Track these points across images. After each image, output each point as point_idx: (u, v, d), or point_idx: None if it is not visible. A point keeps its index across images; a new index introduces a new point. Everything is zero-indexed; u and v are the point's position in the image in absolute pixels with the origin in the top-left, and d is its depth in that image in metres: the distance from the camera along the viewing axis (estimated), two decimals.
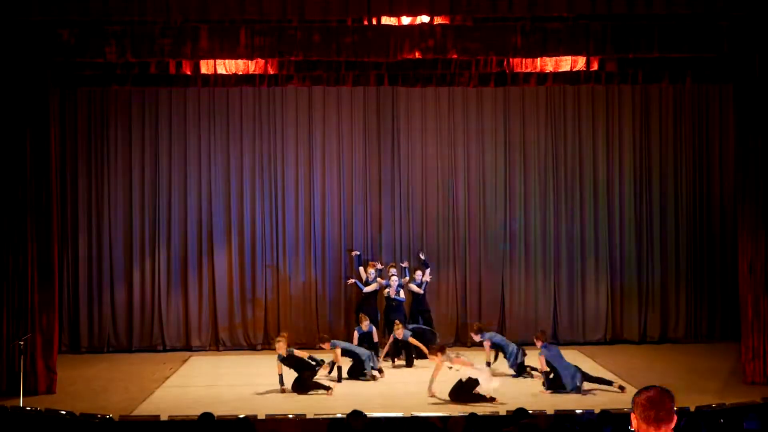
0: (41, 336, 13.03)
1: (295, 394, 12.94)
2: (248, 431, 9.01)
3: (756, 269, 13.26)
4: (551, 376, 12.79)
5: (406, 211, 16.91)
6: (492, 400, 12.07)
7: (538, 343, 13.15)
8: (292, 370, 13.17)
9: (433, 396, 12.42)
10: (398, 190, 16.89)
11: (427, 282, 15.66)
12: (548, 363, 12.78)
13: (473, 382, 12.23)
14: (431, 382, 12.49)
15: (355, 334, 14.77)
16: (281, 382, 13.07)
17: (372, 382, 13.73)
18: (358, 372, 13.90)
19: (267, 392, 13.17)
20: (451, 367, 12.41)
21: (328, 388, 13.00)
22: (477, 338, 14.27)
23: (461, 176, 16.92)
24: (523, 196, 16.94)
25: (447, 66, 13.90)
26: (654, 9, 11.85)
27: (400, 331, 14.57)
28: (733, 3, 12.12)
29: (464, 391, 12.23)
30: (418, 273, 15.62)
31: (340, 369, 13.82)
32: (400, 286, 15.50)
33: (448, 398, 12.28)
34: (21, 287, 13.01)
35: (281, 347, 13.10)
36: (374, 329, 14.98)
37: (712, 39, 12.50)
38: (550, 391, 12.66)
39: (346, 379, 13.78)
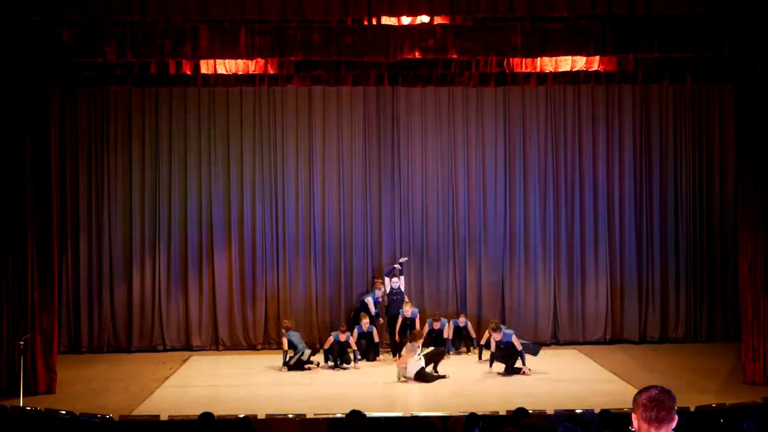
0: (41, 336, 13.03)
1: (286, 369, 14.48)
2: (248, 431, 9.01)
3: (756, 269, 13.26)
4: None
5: (406, 211, 16.91)
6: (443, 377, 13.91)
7: (494, 334, 14.18)
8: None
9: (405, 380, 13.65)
10: (398, 189, 16.89)
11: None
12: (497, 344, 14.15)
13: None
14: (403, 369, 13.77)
15: (355, 332, 14.88)
16: (285, 360, 14.60)
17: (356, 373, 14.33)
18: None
19: (267, 392, 13.19)
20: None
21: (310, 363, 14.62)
22: (498, 336, 14.23)
23: (461, 176, 16.92)
24: (523, 195, 16.94)
25: (447, 66, 13.92)
26: (654, 9, 11.84)
27: (408, 309, 14.99)
28: (733, 3, 12.11)
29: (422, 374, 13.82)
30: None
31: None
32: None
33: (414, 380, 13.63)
34: (21, 287, 13.00)
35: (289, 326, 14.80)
36: (374, 329, 15.12)
37: (712, 39, 12.50)
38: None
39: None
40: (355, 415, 7.91)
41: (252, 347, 16.55)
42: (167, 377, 14.36)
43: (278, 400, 12.54)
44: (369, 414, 9.19)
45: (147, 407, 12.25)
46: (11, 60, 12.70)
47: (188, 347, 16.49)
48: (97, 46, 12.29)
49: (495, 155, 16.97)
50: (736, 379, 13.52)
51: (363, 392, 13.04)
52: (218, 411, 9.78)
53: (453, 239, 16.90)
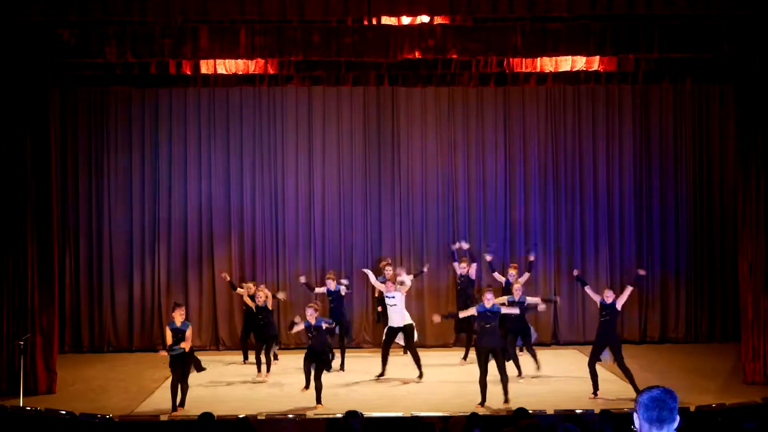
0: (41, 336, 13.03)
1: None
2: (248, 431, 9.01)
3: (756, 269, 13.26)
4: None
5: (406, 210, 16.90)
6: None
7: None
8: None
9: None
10: (398, 189, 16.89)
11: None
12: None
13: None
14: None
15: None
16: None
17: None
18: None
19: (267, 392, 13.19)
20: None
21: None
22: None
23: (461, 176, 16.92)
24: (523, 195, 16.93)
25: (447, 66, 13.91)
26: (654, 9, 11.85)
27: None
28: (733, 3, 12.12)
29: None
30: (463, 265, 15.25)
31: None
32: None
33: None
34: (21, 287, 13.00)
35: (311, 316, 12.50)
36: (342, 288, 14.75)
37: (712, 39, 12.51)
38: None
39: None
40: (352, 416, 7.90)
41: (252, 347, 16.50)
42: (167, 377, 14.33)
43: (278, 400, 12.55)
44: (369, 414, 9.20)
45: (147, 407, 12.26)
46: (11, 60, 12.70)
47: None
48: (97, 46, 12.30)
49: (495, 155, 16.97)
50: (736, 379, 13.52)
51: (363, 392, 13.05)
52: (218, 411, 9.78)
53: (453, 238, 16.87)
